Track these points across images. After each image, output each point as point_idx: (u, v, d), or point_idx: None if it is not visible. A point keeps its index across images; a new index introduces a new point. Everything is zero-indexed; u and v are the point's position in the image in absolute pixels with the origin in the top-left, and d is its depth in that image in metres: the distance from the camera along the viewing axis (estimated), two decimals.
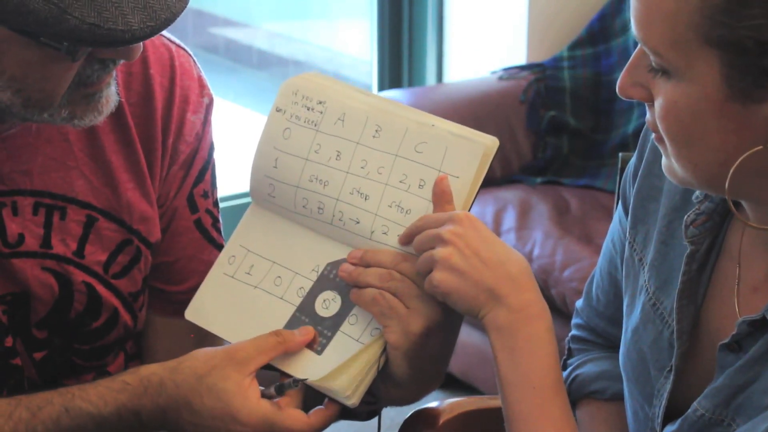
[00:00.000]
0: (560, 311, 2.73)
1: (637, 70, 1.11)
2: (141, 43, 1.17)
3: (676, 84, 1.06)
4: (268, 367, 1.26)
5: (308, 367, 1.25)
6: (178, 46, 1.41)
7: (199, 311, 1.35)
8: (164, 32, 1.39)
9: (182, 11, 1.16)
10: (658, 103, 1.09)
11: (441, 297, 1.18)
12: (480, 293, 1.16)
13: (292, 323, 1.28)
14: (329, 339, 1.26)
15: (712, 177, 1.10)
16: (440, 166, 1.22)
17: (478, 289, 1.16)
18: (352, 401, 1.23)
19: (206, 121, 1.41)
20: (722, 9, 1.01)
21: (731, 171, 1.07)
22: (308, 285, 1.29)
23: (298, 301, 1.28)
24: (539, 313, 1.19)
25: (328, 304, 1.27)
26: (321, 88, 1.30)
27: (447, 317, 1.21)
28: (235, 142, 3.69)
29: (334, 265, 1.28)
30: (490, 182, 3.06)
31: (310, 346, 1.26)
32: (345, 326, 1.26)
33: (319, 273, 1.29)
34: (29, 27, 1.09)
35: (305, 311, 1.28)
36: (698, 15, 1.02)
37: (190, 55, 1.42)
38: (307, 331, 1.26)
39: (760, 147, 1.05)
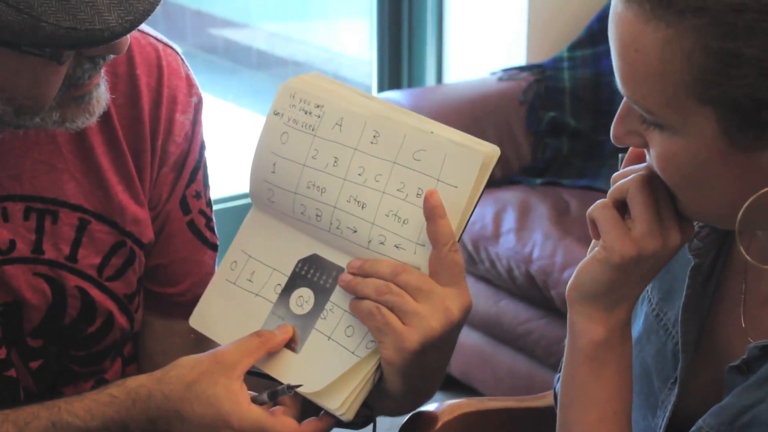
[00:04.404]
0: (560, 313, 2.72)
1: (628, 119, 1.08)
2: (127, 36, 1.15)
3: (672, 137, 1.04)
4: (260, 375, 1.26)
5: (287, 367, 1.25)
6: (166, 45, 1.39)
7: (203, 319, 1.34)
8: (152, 31, 1.38)
9: (160, 1, 1.14)
10: (654, 152, 1.07)
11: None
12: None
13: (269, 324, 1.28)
14: (305, 337, 1.25)
15: (722, 216, 1.08)
16: (438, 175, 1.19)
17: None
18: (347, 417, 1.22)
19: (196, 121, 1.40)
20: (711, 70, 0.98)
21: (740, 213, 1.04)
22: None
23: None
24: None
25: (301, 302, 1.27)
26: (319, 90, 1.28)
27: (444, 333, 1.18)
28: (235, 143, 3.69)
29: (305, 261, 1.27)
30: (490, 183, 3.04)
31: (288, 345, 1.26)
32: (319, 323, 1.25)
33: (292, 271, 1.28)
34: (7, 39, 1.07)
35: (280, 310, 1.27)
36: (687, 75, 0.99)
37: (178, 54, 1.40)
38: (286, 330, 1.26)
39: (767, 189, 1.03)
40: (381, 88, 3.62)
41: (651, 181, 1.10)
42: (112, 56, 1.20)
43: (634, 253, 1.10)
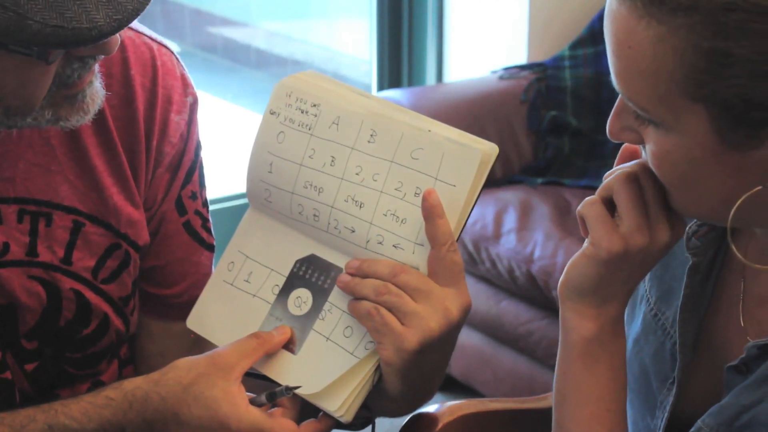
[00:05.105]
0: None
1: (624, 115, 1.08)
2: (117, 36, 1.14)
3: (666, 134, 1.04)
4: (258, 377, 1.25)
5: (285, 368, 1.24)
6: (160, 44, 1.38)
7: (201, 320, 1.33)
8: (147, 30, 1.37)
9: (150, 1, 1.12)
10: (649, 148, 1.07)
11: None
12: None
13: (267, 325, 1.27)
14: (303, 338, 1.24)
15: (714, 214, 1.08)
16: (436, 174, 1.18)
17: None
18: (345, 418, 1.21)
19: (191, 121, 1.39)
20: (702, 69, 0.98)
21: (732, 211, 1.05)
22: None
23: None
24: None
25: (299, 302, 1.26)
26: (315, 89, 1.27)
27: (443, 334, 1.17)
28: (233, 143, 3.68)
29: (303, 261, 1.26)
30: (491, 183, 3.04)
31: (286, 346, 1.25)
32: (317, 324, 1.24)
33: (289, 271, 1.27)
34: None
35: (278, 311, 1.26)
36: (679, 73, 0.99)
37: (173, 53, 1.39)
38: (284, 331, 1.25)
39: (760, 188, 1.03)
40: (381, 87, 3.61)
41: (637, 178, 1.11)
42: (102, 56, 1.19)
43: (621, 248, 1.11)
